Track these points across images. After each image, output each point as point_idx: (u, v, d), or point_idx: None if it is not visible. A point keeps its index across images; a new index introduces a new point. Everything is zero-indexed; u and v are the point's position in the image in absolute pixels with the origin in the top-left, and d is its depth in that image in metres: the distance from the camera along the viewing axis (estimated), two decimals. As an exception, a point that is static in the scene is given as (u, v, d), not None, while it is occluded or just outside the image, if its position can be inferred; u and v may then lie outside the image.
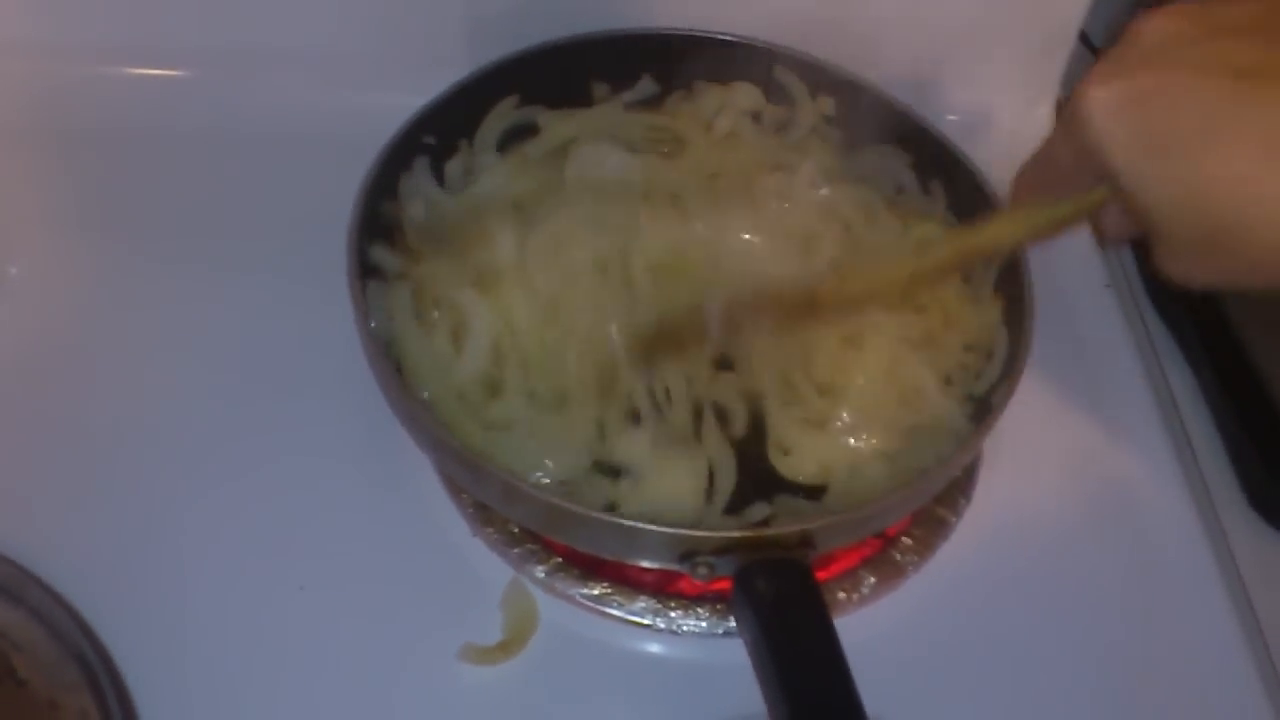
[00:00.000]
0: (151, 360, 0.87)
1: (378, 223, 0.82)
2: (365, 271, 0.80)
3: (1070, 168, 0.63)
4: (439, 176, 0.88)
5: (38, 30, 1.00)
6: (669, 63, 0.91)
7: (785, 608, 0.67)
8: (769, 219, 0.85)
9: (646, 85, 0.92)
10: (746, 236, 0.85)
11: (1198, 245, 0.57)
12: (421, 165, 0.86)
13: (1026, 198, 0.68)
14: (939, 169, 0.89)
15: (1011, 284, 0.82)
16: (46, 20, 1.00)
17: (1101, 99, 0.58)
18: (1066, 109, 0.61)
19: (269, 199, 0.96)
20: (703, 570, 0.70)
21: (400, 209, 0.85)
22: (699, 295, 0.81)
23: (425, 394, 0.78)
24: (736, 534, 0.70)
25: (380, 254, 0.82)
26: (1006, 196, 0.71)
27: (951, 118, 1.02)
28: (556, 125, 0.90)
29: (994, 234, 0.70)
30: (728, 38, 0.91)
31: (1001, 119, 1.05)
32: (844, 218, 0.86)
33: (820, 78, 0.91)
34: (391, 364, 0.76)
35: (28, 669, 0.70)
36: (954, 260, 0.74)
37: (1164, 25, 0.58)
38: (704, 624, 0.77)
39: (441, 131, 0.87)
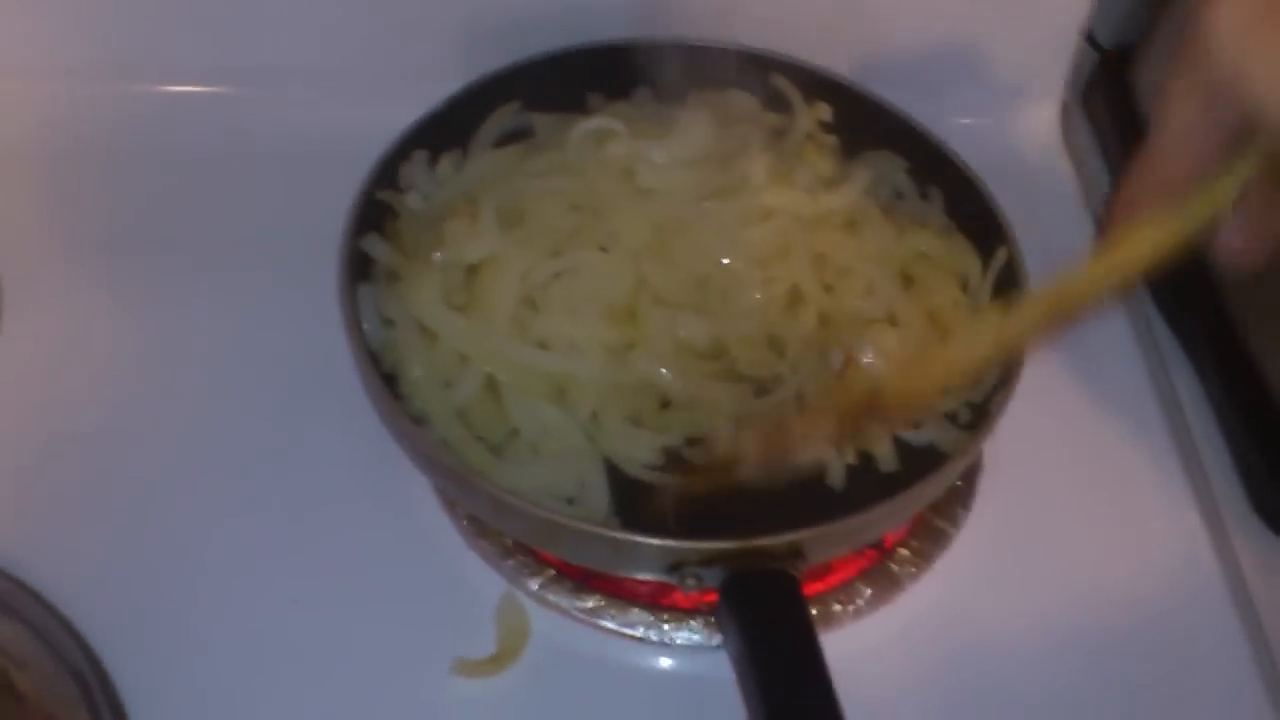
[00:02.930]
0: (155, 376, 0.87)
1: (376, 222, 0.83)
2: (360, 275, 0.80)
3: (1195, 136, 0.53)
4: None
5: (39, 49, 1.01)
6: (665, 73, 0.91)
7: (769, 619, 0.67)
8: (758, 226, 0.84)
9: (642, 96, 0.92)
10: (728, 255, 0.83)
11: None
12: (420, 158, 0.87)
13: (1133, 215, 0.56)
14: (936, 174, 0.88)
15: (1010, 288, 0.81)
16: (47, 39, 1.00)
17: (1231, 17, 0.50)
18: (1183, 56, 0.52)
19: (276, 215, 0.96)
20: (691, 581, 0.70)
21: (398, 198, 0.85)
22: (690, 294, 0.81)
23: (421, 409, 0.78)
24: (724, 545, 0.69)
25: (374, 245, 0.81)
26: (1103, 228, 0.59)
27: (962, 120, 1.01)
28: (550, 128, 0.90)
29: (1096, 275, 0.58)
30: (724, 46, 0.91)
31: (1005, 123, 1.04)
32: (835, 226, 0.85)
33: (817, 84, 0.91)
34: (379, 375, 0.76)
35: (26, 685, 0.71)
36: (1046, 322, 0.63)
37: None
38: (697, 637, 0.77)
39: (440, 137, 0.88)
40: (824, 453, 0.76)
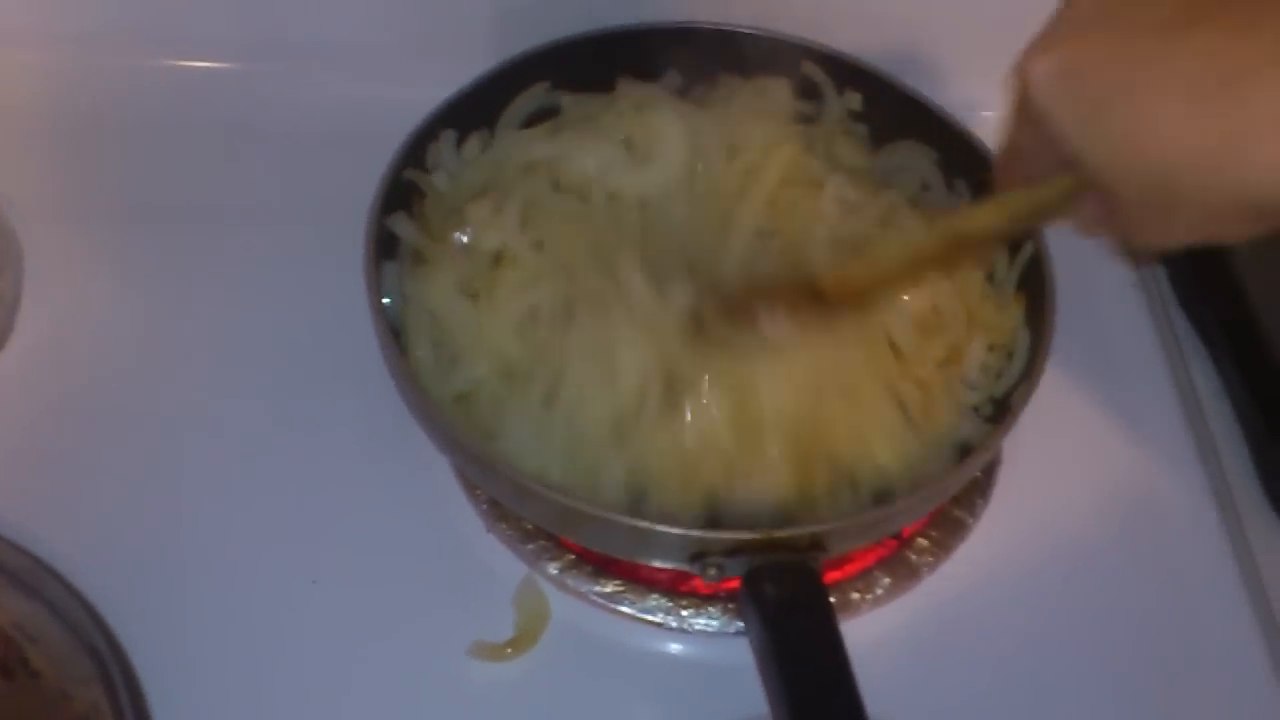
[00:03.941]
0: (173, 353, 0.87)
1: (403, 202, 0.83)
2: (387, 254, 0.80)
3: (1033, 149, 0.63)
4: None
5: (63, 19, 1.00)
6: (696, 57, 0.90)
7: (792, 611, 0.67)
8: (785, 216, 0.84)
9: (672, 79, 0.91)
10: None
11: (1150, 205, 0.58)
12: (448, 138, 0.86)
13: (1008, 186, 0.68)
14: (964, 166, 0.88)
15: (1035, 283, 0.81)
16: (72, 10, 1.00)
17: (1040, 68, 0.58)
18: (1014, 89, 0.61)
19: (297, 191, 0.96)
20: (712, 571, 0.70)
21: (425, 179, 0.85)
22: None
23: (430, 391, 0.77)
24: (746, 535, 0.69)
25: (400, 224, 0.82)
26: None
27: (986, 113, 1.00)
28: (578, 107, 0.89)
29: (979, 219, 0.70)
30: (755, 32, 0.90)
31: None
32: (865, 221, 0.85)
33: (848, 72, 0.90)
34: (403, 356, 0.76)
35: (41, 661, 0.71)
36: (944, 247, 0.73)
37: None
38: (716, 623, 0.77)
39: (469, 117, 0.87)
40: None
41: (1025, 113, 0.61)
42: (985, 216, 0.69)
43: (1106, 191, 0.59)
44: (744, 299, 0.76)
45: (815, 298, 0.73)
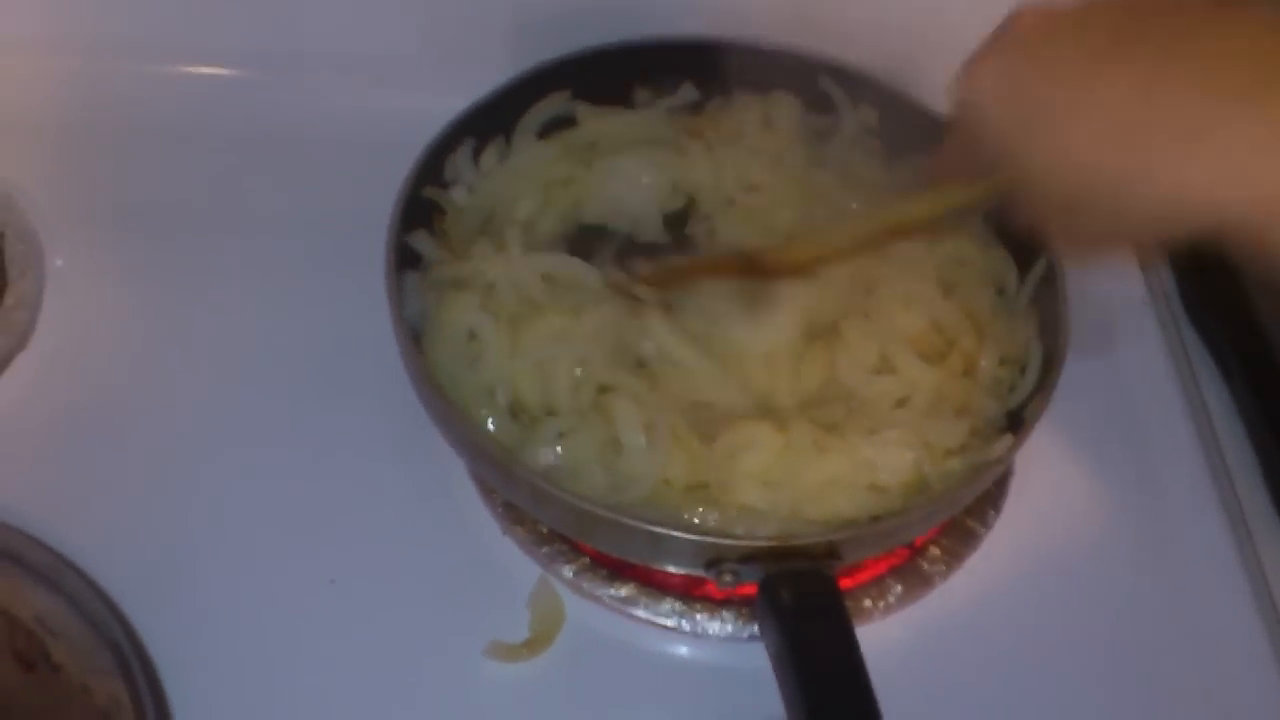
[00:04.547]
0: (191, 354, 0.88)
1: (421, 214, 0.84)
2: (405, 263, 0.81)
3: (970, 149, 0.67)
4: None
5: (85, 26, 1.01)
6: (712, 70, 0.91)
7: (808, 618, 0.68)
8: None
9: (688, 92, 0.92)
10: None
11: (1066, 212, 0.63)
12: (465, 150, 0.87)
13: (942, 179, 0.74)
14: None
15: (1047, 298, 0.82)
16: (93, 16, 1.01)
17: (984, 74, 0.65)
18: (958, 90, 0.67)
19: (314, 199, 0.97)
20: (728, 577, 0.70)
21: (444, 196, 0.86)
22: None
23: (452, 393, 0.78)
24: (762, 542, 0.70)
25: (421, 241, 0.83)
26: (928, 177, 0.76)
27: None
28: (593, 120, 0.91)
29: (916, 210, 0.75)
30: (771, 47, 0.91)
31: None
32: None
33: (863, 88, 0.91)
34: (421, 358, 0.77)
35: (62, 654, 0.72)
36: (883, 234, 0.78)
37: (1037, 16, 0.64)
38: (729, 628, 0.78)
39: (486, 129, 0.88)
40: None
41: (966, 114, 0.67)
42: (922, 207, 0.75)
43: (1032, 197, 0.65)
44: (685, 268, 0.82)
45: (754, 270, 0.78)
